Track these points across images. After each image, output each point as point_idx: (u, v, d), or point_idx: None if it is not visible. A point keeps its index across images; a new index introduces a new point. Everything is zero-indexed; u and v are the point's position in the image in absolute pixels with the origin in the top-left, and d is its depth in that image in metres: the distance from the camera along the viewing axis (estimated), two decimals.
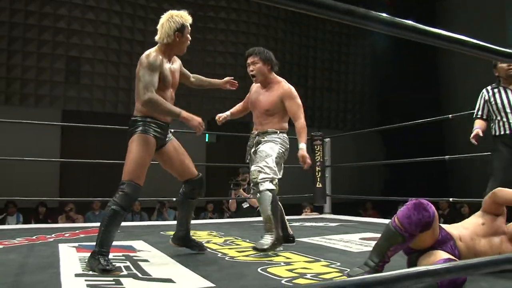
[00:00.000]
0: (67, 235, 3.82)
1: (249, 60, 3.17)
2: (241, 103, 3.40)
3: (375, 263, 1.97)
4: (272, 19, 11.30)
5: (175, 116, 2.51)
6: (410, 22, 1.00)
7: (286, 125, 3.17)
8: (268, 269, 2.38)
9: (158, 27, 2.62)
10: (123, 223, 3.12)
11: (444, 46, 1.08)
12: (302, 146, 3.02)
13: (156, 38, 2.62)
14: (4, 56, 8.73)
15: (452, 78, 10.37)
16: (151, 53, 2.53)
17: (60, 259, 2.65)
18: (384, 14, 0.96)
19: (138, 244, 3.28)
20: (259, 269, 2.38)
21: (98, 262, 2.31)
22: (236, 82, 3.23)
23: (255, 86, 3.24)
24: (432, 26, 1.01)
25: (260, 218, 3.13)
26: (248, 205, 6.36)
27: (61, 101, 9.33)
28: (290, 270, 2.36)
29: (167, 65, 2.61)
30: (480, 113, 3.50)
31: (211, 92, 9.82)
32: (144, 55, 2.54)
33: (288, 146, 3.11)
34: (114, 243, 3.00)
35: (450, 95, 10.19)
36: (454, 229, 2.10)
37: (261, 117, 3.14)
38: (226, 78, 3.22)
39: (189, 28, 2.67)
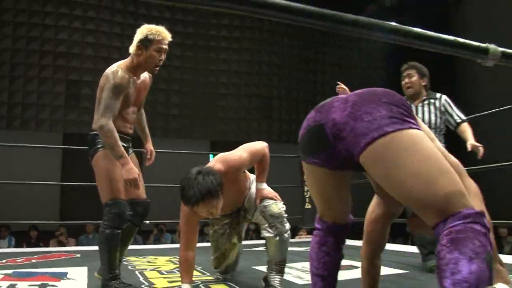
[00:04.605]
0: (19, 260, 3.80)
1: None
2: None
3: None
4: (276, 34, 11.32)
5: (115, 156, 2.43)
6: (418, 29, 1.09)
7: None
8: None
9: None
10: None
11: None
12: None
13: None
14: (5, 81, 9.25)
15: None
16: (119, 71, 2.49)
17: None
18: (393, 23, 1.05)
19: (74, 272, 3.21)
20: None
21: None
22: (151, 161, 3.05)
23: None
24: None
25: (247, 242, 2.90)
26: None
27: (62, 125, 9.59)
28: None
29: (131, 82, 2.58)
30: None
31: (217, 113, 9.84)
32: (110, 72, 2.49)
33: None
34: (44, 269, 3.17)
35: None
36: None
37: None
38: (150, 153, 3.02)
39: (161, 46, 2.56)
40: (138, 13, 10.29)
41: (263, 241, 2.69)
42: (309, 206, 6.16)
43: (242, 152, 2.52)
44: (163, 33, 2.55)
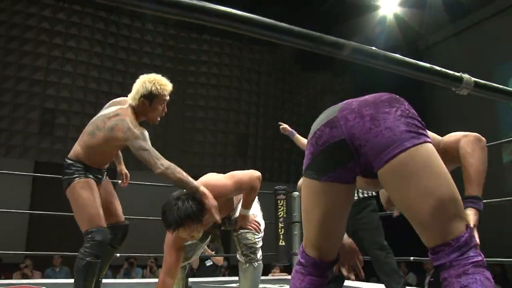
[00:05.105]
0: None
1: None
2: None
3: None
4: (254, 73, 11.51)
5: (192, 190, 2.34)
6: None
7: None
8: None
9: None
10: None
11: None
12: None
13: (128, 96, 2.62)
14: None
15: None
16: (130, 123, 2.47)
17: None
18: (373, 48, 1.11)
19: None
20: None
21: None
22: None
23: None
24: None
25: (220, 278, 2.91)
26: (211, 263, 6.11)
27: (34, 152, 9.41)
28: None
29: None
30: None
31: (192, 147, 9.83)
32: (127, 124, 2.46)
33: None
34: None
35: None
36: None
37: None
38: (125, 176, 3.04)
39: (164, 99, 2.60)
40: (118, 45, 10.35)
41: (235, 278, 2.70)
42: (283, 243, 6.13)
43: (228, 180, 2.50)
44: (166, 86, 2.58)
